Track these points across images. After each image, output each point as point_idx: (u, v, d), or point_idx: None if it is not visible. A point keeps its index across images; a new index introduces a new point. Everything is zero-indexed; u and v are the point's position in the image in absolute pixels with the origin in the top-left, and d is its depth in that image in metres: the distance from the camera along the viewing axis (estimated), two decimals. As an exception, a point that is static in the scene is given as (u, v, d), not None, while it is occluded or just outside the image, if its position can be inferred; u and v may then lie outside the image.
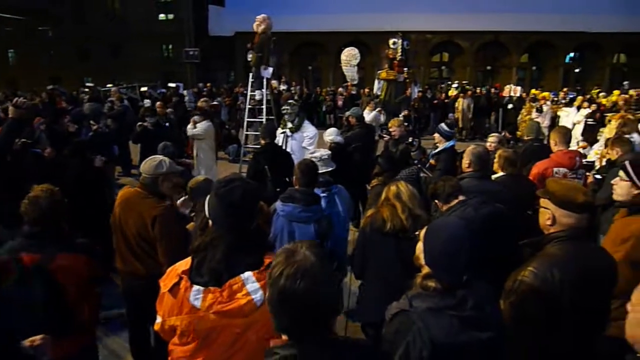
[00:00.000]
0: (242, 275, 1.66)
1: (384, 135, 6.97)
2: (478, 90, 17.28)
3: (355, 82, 18.38)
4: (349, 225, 4.02)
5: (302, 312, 1.28)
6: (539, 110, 12.64)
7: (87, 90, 16.50)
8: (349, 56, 17.75)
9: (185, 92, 17.61)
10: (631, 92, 12.58)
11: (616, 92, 13.81)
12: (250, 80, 9.10)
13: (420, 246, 1.90)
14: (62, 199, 2.64)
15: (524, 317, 2.09)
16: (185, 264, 1.76)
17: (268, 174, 4.83)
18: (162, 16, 31.29)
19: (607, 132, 6.38)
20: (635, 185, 2.62)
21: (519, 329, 2.10)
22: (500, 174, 3.84)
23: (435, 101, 15.71)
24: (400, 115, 11.21)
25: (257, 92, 9.03)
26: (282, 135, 6.58)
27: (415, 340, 1.67)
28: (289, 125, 6.62)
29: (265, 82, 8.96)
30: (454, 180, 3.22)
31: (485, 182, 3.63)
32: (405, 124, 8.42)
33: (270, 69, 8.96)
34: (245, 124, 9.45)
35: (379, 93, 15.10)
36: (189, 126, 7.48)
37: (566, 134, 4.52)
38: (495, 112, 15.71)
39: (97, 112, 7.96)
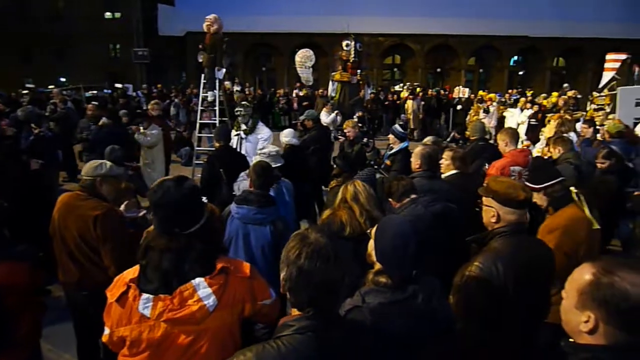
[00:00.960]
0: (193, 281, 1.63)
1: (340, 137, 7.04)
2: (430, 92, 17.79)
3: (310, 84, 18.46)
4: (295, 215, 4.23)
5: (319, 288, 1.40)
6: (486, 111, 13.21)
7: (26, 92, 15.62)
8: (304, 57, 17.79)
9: (134, 94, 17.03)
10: (569, 93, 13.38)
11: (555, 93, 14.63)
12: (203, 81, 8.93)
13: (371, 244, 1.94)
14: (1, 204, 2.49)
15: (472, 309, 2.17)
16: (133, 271, 1.70)
17: (223, 176, 4.77)
18: (108, 14, 30.11)
19: (547, 131, 6.76)
20: (535, 189, 2.85)
21: (467, 321, 2.18)
22: (450, 172, 3.96)
23: (387, 102, 16.01)
24: (354, 117, 11.36)
25: (209, 94, 8.87)
26: (237, 137, 6.50)
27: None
28: (243, 127, 6.54)
29: (217, 84, 8.83)
30: (407, 180, 3.29)
31: (435, 181, 3.73)
32: (359, 125, 8.56)
33: (224, 70, 8.84)
34: (197, 126, 9.26)
35: (333, 95, 15.24)
36: (138, 135, 7.22)
37: (515, 134, 4.71)
38: (445, 113, 16.23)
39: (31, 116, 7.46)
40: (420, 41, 27.46)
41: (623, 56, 10.44)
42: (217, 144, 5.13)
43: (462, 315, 2.20)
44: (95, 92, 18.44)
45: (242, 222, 3.04)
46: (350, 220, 2.94)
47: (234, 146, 6.33)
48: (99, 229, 2.87)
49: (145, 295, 1.61)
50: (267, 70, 29.17)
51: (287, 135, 5.75)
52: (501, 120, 12.99)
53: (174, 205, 1.67)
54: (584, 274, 1.34)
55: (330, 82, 16.05)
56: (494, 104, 13.89)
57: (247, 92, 17.27)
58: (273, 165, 3.87)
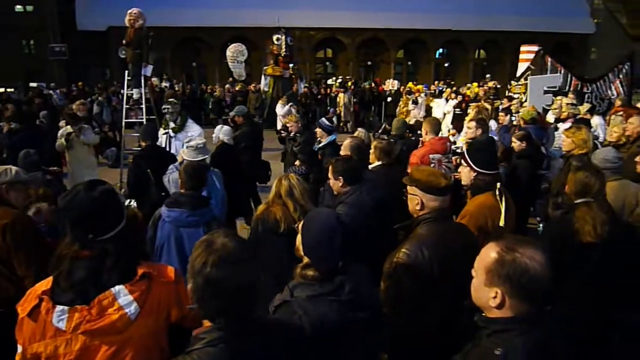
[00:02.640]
0: (112, 289, 1.56)
1: (282, 132, 7.00)
2: (364, 86, 18.16)
3: (243, 78, 18.21)
4: (226, 200, 4.23)
5: (229, 296, 1.33)
6: (415, 102, 13.71)
7: None
8: (236, 52, 17.51)
9: (52, 92, 15.86)
10: (490, 84, 14.23)
11: (475, 84, 15.51)
12: (127, 78, 8.50)
13: (299, 238, 1.96)
14: None
15: (400, 294, 2.25)
16: (46, 283, 1.60)
17: (152, 178, 4.60)
18: (19, 7, 27.62)
19: (467, 120, 7.13)
20: (472, 169, 2.94)
21: (397, 306, 2.27)
22: (376, 164, 4.09)
23: (320, 96, 16.16)
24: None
25: (134, 91, 8.46)
26: (165, 135, 6.28)
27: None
28: (172, 125, 6.32)
29: (143, 80, 8.46)
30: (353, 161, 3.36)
31: (365, 171, 3.84)
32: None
33: (150, 67, 8.48)
34: (123, 125, 8.82)
35: (266, 89, 15.16)
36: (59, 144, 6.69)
37: (435, 123, 4.95)
38: (377, 106, 16.65)
39: None
40: (351, 35, 27.85)
41: (536, 48, 11.25)
42: (142, 144, 4.92)
43: (391, 300, 2.29)
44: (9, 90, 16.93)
45: (174, 226, 2.94)
46: (284, 217, 2.95)
47: (163, 145, 6.11)
48: (8, 238, 2.64)
49: (59, 307, 1.52)
50: (197, 66, 28.29)
51: (224, 133, 5.63)
52: (429, 110, 13.55)
53: (83, 210, 1.58)
54: (489, 252, 1.45)
55: (263, 77, 15.93)
56: (422, 95, 14.46)
57: (176, 89, 16.68)
58: (201, 157, 3.96)
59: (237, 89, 17.49)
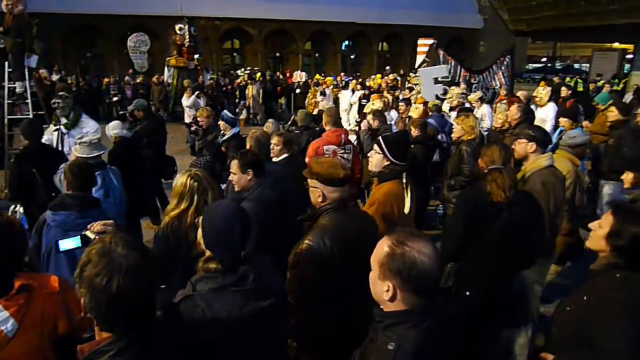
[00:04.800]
0: None
1: (193, 125, 6.70)
2: (278, 76, 18.04)
3: (145, 70, 17.24)
4: (125, 199, 3.99)
5: (132, 307, 1.27)
6: (323, 94, 13.96)
7: None
8: (138, 42, 16.56)
9: None
10: (390, 76, 14.91)
11: (378, 75, 16.17)
12: (8, 70, 7.64)
13: (200, 232, 1.92)
14: None
15: (304, 284, 2.30)
16: None
17: (38, 178, 4.20)
18: None
19: (367, 110, 7.44)
20: (386, 157, 3.08)
21: (302, 296, 2.32)
22: (282, 157, 4.11)
23: (228, 88, 15.79)
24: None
25: (17, 84, 7.63)
26: (57, 132, 5.75)
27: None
28: (64, 120, 5.80)
29: (27, 72, 7.65)
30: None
31: (268, 164, 3.85)
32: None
33: (36, 57, 7.69)
34: (6, 122, 7.92)
35: (169, 81, 14.48)
36: None
37: (334, 114, 5.05)
38: (286, 97, 16.68)
39: None
40: (258, 26, 27.48)
41: (431, 41, 12.00)
42: (25, 142, 4.48)
43: (295, 291, 2.33)
44: None
45: (61, 230, 2.68)
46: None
47: (54, 143, 5.61)
48: None
49: None
50: (93, 57, 26.10)
51: (114, 128, 5.30)
52: (336, 101, 13.87)
53: None
54: (383, 246, 1.49)
55: (166, 68, 15.20)
56: (330, 87, 14.75)
57: (69, 81, 15.29)
58: (95, 154, 3.76)
59: (138, 81, 16.49)
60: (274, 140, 4.08)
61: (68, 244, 2.57)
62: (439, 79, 9.07)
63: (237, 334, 1.80)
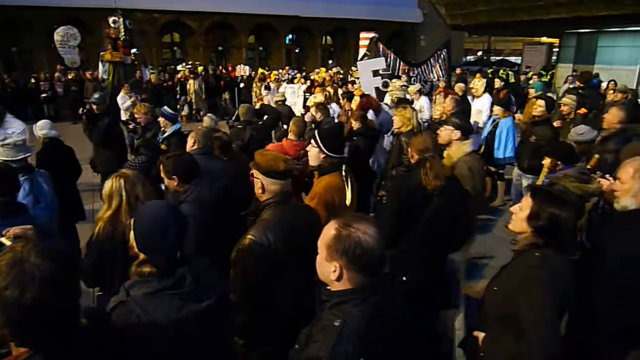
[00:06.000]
0: None
1: (130, 123, 6.39)
2: (211, 71, 17.62)
3: (77, 65, 16.30)
4: (56, 203, 3.76)
5: (51, 321, 1.19)
6: (268, 88, 13.84)
7: None
8: (66, 36, 15.56)
9: None
10: (334, 69, 15.03)
11: (323, 69, 16.25)
12: None
13: (132, 235, 1.86)
14: None
15: (247, 279, 2.29)
16: None
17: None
18: None
19: (310, 103, 7.48)
20: (321, 150, 3.12)
21: (247, 291, 2.31)
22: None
23: (170, 83, 15.25)
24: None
25: None
26: (-23, 134, 5.34)
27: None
28: (-15, 122, 5.40)
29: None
30: (186, 156, 3.19)
31: (211, 159, 3.79)
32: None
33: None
34: None
35: (105, 77, 13.77)
36: None
37: (300, 127, 4.87)
38: (230, 92, 16.37)
39: None
40: (199, 19, 26.68)
41: (372, 34, 12.18)
42: None
43: (239, 286, 2.32)
44: None
45: (-20, 239, 2.52)
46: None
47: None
48: None
49: None
50: (18, 52, 24.32)
51: (42, 128, 4.99)
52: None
53: None
54: (329, 230, 1.55)
55: (100, 64, 14.42)
56: (274, 81, 14.66)
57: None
58: (21, 156, 3.56)
59: (70, 77, 15.56)
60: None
61: None
62: (380, 72, 9.23)
63: (177, 338, 1.76)
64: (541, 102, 6.03)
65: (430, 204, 3.01)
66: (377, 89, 8.85)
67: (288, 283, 2.35)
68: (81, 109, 5.29)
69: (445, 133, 3.65)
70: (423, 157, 3.11)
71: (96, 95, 6.42)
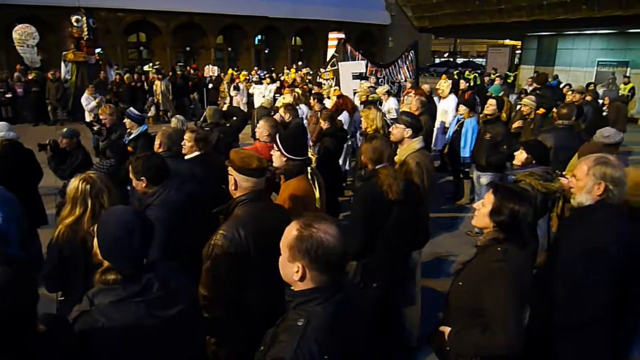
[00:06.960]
0: None
1: (95, 124, 6.20)
2: (179, 72, 17.28)
3: (37, 65, 15.75)
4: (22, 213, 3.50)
5: (5, 328, 1.17)
6: (237, 89, 13.73)
7: None
8: (24, 34, 15.05)
9: None
10: (303, 70, 15.04)
11: (293, 70, 16.24)
12: None
13: (95, 242, 1.81)
14: None
15: (220, 276, 2.28)
16: None
17: None
18: None
19: (279, 104, 7.48)
20: (282, 154, 3.11)
21: (217, 287, 2.29)
22: (194, 154, 4.00)
23: (135, 84, 14.87)
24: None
25: None
26: None
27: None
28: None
29: None
30: (156, 157, 3.14)
31: (179, 161, 3.74)
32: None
33: None
34: None
35: (68, 77, 13.38)
36: None
37: (275, 126, 4.84)
38: (198, 92, 16.13)
39: None
40: (165, 18, 26.17)
41: (341, 35, 12.28)
42: None
43: (210, 283, 2.30)
44: None
45: None
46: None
47: None
48: None
49: None
50: (-27, 50, 23.27)
51: (0, 130, 4.79)
52: (250, 97, 13.72)
53: None
54: (291, 230, 1.56)
55: (63, 63, 14.04)
56: (243, 81, 14.55)
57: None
58: None
59: (30, 77, 14.99)
60: (186, 136, 3.96)
61: None
62: (359, 75, 9.43)
63: (145, 347, 1.73)
64: (492, 101, 6.23)
65: (393, 212, 3.08)
66: (355, 91, 9.00)
67: (258, 280, 2.34)
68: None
69: (397, 131, 3.74)
70: (374, 168, 3.16)
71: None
